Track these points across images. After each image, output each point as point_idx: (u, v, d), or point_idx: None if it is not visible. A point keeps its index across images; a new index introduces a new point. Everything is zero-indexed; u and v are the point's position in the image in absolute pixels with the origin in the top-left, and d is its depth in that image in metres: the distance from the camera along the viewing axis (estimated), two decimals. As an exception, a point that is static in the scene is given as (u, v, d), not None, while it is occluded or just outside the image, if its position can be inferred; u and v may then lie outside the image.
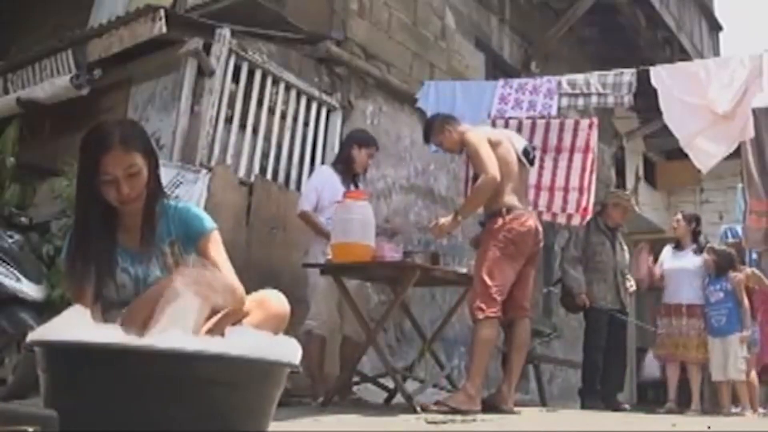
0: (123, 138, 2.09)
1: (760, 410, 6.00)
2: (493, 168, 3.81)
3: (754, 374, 5.97)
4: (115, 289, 2.17)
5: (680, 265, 6.03)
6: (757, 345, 6.14)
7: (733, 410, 5.75)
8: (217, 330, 1.90)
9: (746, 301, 5.73)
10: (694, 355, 5.90)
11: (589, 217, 5.61)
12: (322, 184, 4.49)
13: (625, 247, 5.93)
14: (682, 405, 5.92)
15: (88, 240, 2.12)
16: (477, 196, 3.95)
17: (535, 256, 4.05)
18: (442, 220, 4.02)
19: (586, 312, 5.69)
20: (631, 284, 5.84)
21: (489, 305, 3.76)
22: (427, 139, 4.36)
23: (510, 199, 3.91)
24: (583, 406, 5.54)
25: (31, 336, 1.73)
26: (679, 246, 6.18)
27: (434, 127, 4.25)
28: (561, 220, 5.72)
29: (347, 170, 4.58)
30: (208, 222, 2.27)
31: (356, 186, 4.58)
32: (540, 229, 4.03)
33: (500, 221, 3.86)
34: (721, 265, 5.83)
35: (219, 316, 1.97)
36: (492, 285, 3.77)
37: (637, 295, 6.75)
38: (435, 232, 4.07)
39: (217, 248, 2.23)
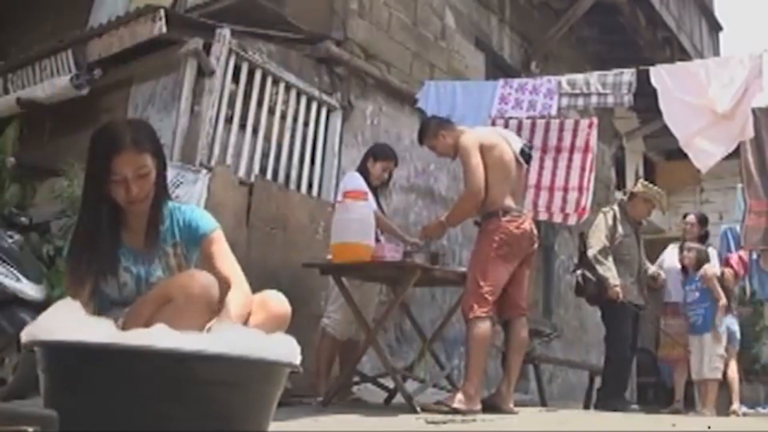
0: (135, 138, 2.09)
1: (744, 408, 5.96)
2: (477, 182, 3.85)
3: (734, 369, 5.92)
4: (117, 288, 2.18)
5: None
6: (737, 340, 6.10)
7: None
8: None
9: (723, 297, 5.68)
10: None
11: (586, 216, 5.56)
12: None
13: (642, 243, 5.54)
14: (687, 405, 5.90)
15: (93, 237, 2.12)
16: (460, 208, 4.10)
17: (530, 257, 4.07)
18: (428, 225, 4.29)
19: (610, 305, 5.14)
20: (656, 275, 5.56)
21: (480, 305, 3.78)
22: (420, 141, 4.36)
23: (506, 201, 3.93)
24: (609, 408, 4.96)
25: (24, 333, 1.73)
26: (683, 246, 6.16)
27: (428, 131, 4.25)
28: (558, 219, 5.71)
29: (365, 183, 4.49)
30: (212, 222, 2.29)
31: (377, 201, 4.52)
32: (535, 231, 4.04)
33: (496, 222, 3.88)
34: (701, 262, 5.81)
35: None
36: (484, 285, 3.80)
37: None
38: (421, 236, 4.30)
39: (221, 247, 2.25)
